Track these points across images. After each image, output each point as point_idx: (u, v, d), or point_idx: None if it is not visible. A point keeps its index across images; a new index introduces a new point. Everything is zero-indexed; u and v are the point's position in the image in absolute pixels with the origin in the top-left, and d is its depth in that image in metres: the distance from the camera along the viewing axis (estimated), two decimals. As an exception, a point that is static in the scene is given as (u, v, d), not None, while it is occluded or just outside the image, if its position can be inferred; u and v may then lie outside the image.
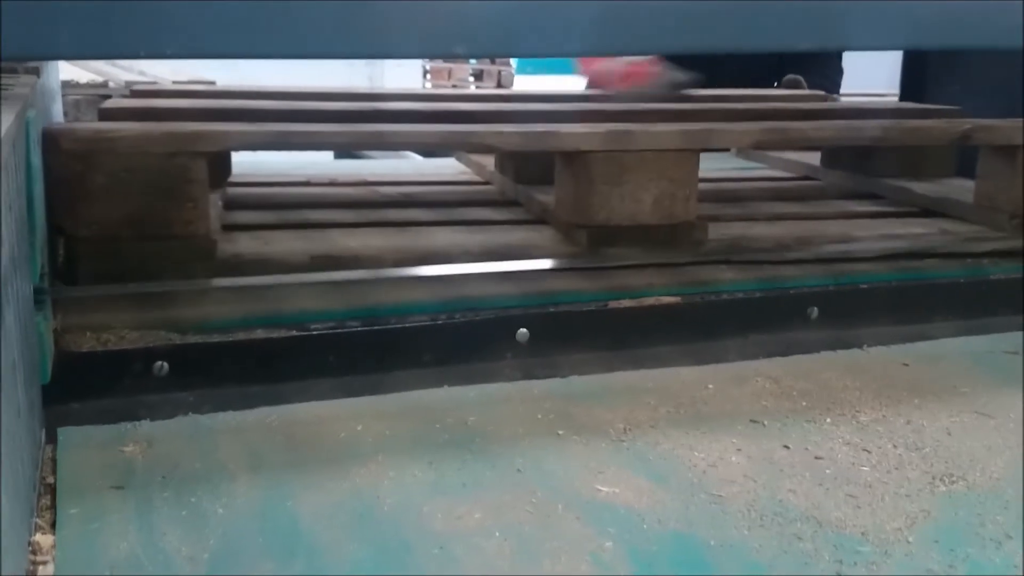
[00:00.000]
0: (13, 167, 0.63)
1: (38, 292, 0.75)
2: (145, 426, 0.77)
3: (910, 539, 0.64)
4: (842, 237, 1.19)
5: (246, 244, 1.08)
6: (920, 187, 1.39)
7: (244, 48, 0.65)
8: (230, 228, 1.14)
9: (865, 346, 1.01)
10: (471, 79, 5.48)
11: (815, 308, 1.06)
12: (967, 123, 1.27)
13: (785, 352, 1.01)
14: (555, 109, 1.37)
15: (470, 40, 0.71)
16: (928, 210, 1.34)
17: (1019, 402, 0.87)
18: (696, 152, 1.12)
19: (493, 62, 5.55)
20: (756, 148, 1.31)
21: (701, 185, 1.38)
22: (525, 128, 1.13)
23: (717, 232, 1.14)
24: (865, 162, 1.48)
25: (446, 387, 0.87)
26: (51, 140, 0.97)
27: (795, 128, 1.26)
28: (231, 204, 1.26)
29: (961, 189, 1.33)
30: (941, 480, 0.72)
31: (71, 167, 0.98)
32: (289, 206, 1.28)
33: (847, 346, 1.03)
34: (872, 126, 1.28)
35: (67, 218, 0.99)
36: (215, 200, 1.13)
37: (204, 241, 1.02)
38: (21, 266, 0.67)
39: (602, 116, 1.32)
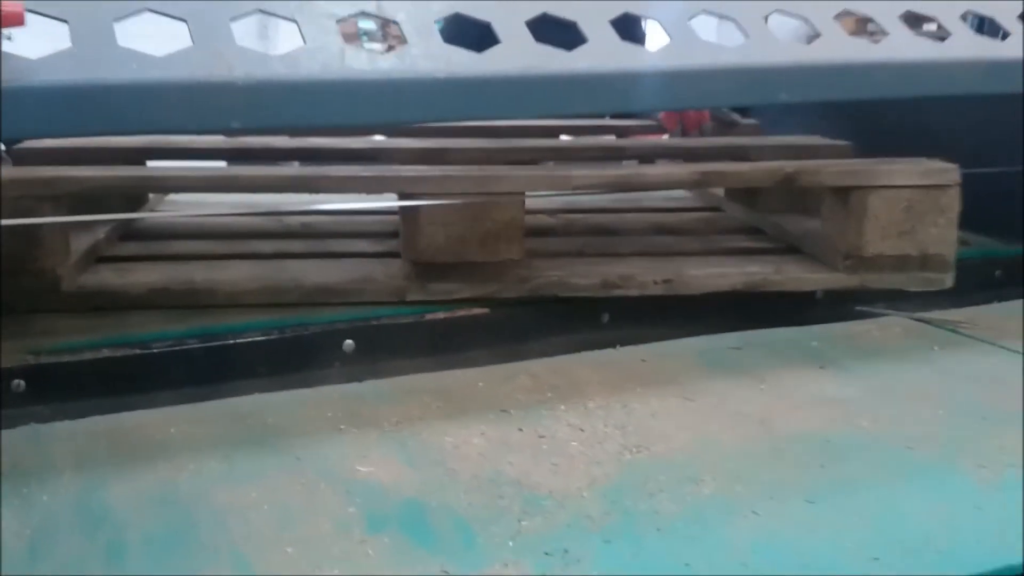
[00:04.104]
0: None
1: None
2: (-9, 435, 0.93)
3: (585, 494, 0.85)
4: (664, 277, 1.26)
5: (99, 277, 1.24)
6: (794, 223, 1.45)
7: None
8: (106, 260, 1.31)
9: (618, 345, 1.23)
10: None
11: (607, 314, 1.29)
12: (790, 165, 1.31)
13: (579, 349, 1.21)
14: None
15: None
16: (793, 247, 1.42)
17: (721, 388, 1.09)
18: (521, 194, 1.24)
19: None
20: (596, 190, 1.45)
21: (585, 217, 1.59)
22: (361, 172, 1.30)
23: (551, 269, 1.26)
24: (757, 197, 1.55)
25: (256, 394, 1.05)
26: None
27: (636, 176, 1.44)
28: (143, 235, 1.42)
29: None
30: (630, 450, 0.94)
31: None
32: (186, 236, 1.43)
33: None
34: (697, 172, 1.36)
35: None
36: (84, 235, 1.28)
37: (51, 276, 1.18)
38: None
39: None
